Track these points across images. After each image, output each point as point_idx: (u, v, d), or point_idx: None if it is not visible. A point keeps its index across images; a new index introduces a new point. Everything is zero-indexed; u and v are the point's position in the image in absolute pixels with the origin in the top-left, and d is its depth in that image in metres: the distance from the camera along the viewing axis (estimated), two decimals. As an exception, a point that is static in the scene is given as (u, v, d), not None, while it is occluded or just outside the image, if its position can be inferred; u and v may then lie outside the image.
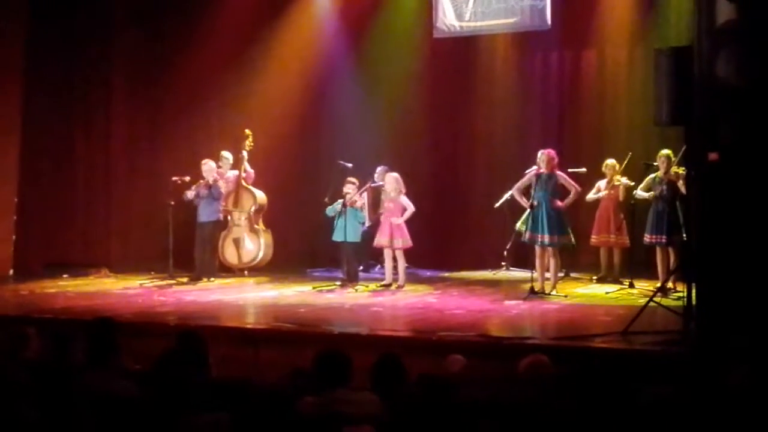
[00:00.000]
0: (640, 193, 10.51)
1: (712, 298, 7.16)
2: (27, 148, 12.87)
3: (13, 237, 12.86)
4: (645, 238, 10.44)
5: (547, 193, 9.96)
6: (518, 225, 10.65)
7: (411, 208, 10.92)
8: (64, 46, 13.12)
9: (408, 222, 10.98)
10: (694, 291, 7.38)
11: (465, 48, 13.23)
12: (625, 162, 11.07)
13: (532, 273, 10.08)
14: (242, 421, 4.27)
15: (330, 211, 11.18)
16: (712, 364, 6.27)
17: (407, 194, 10.98)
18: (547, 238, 9.96)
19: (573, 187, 10.15)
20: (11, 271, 12.68)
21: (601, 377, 5.89)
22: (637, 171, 10.82)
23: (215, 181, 11.96)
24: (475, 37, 13.11)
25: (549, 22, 12.47)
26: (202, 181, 11.92)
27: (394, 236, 10.88)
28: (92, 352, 5.22)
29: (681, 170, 9.98)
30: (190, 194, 11.84)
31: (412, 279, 11.39)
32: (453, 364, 5.34)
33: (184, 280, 11.66)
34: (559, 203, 10.00)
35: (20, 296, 10.84)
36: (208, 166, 11.96)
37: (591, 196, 11.24)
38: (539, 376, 4.92)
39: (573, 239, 10.18)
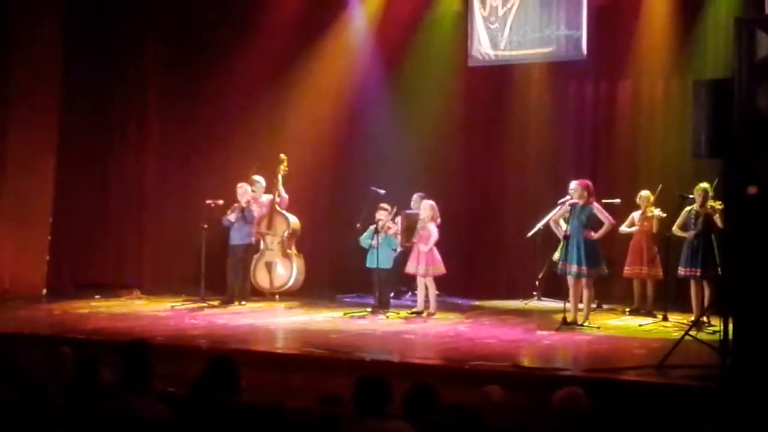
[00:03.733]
0: (677, 231, 10.38)
1: (749, 333, 7.06)
2: (62, 169, 12.95)
3: (47, 257, 12.95)
4: (679, 271, 10.33)
5: (581, 224, 9.92)
6: (555, 256, 10.64)
7: (434, 237, 10.86)
8: (100, 70, 13.25)
9: (441, 249, 10.95)
10: (730, 326, 7.30)
11: (499, 76, 13.20)
12: (656, 192, 11.00)
13: (565, 303, 10.01)
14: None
15: (365, 241, 11.15)
16: (748, 401, 6.18)
17: (440, 221, 10.96)
18: (575, 269, 9.90)
19: (607, 219, 10.10)
20: (44, 291, 12.74)
21: (636, 412, 5.82)
22: (672, 202, 10.73)
23: (248, 204, 11.99)
24: (510, 66, 13.09)
25: (584, 52, 12.41)
26: (236, 204, 11.95)
27: (421, 263, 10.85)
28: (126, 375, 5.21)
29: (717, 204, 9.88)
30: (232, 217, 11.85)
31: (444, 307, 11.33)
32: (492, 395, 5.27)
33: (216, 303, 11.68)
34: (592, 234, 9.96)
35: (53, 316, 10.91)
36: (243, 189, 11.97)
37: (624, 229, 11.14)
38: (574, 410, 4.86)
39: (606, 270, 10.14)
